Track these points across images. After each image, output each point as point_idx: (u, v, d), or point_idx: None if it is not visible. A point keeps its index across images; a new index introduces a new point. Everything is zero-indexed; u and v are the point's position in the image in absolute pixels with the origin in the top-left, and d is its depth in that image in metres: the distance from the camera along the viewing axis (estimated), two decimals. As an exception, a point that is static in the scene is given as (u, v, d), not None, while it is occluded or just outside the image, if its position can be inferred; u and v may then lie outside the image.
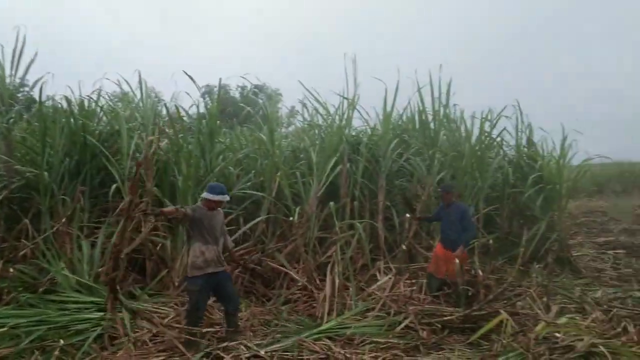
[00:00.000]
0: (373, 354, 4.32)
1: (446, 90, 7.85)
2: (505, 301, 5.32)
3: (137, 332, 4.80)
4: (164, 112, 7.85)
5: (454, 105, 8.95)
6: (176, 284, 5.93)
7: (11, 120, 6.72)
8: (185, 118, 7.95)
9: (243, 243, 6.72)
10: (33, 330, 4.49)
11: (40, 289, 5.29)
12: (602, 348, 3.72)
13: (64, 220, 5.90)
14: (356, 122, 8.82)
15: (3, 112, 6.57)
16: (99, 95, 7.62)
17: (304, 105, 8.82)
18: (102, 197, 6.63)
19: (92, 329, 4.71)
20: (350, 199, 7.10)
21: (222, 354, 4.21)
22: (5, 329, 4.42)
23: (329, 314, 5.34)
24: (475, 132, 8.30)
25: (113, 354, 4.38)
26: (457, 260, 5.59)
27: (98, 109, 7.66)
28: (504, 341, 4.26)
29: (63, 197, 6.12)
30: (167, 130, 7.52)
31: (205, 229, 4.58)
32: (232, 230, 6.64)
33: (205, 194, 4.70)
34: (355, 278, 6.04)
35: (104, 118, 7.63)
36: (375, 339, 4.66)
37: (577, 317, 5.03)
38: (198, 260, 4.52)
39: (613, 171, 23.29)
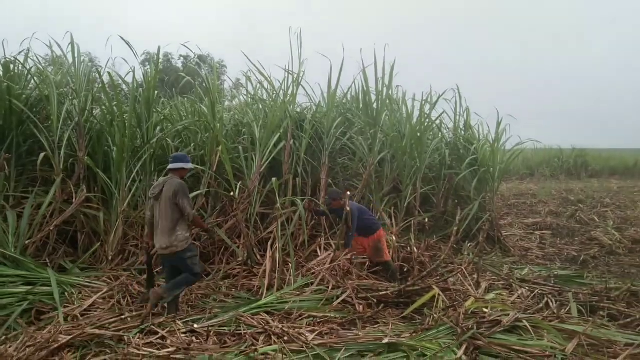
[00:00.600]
0: (310, 328, 4.38)
1: (390, 72, 7.94)
2: (438, 277, 5.54)
3: (68, 306, 4.62)
4: (100, 78, 7.42)
5: (397, 86, 9.12)
6: (110, 257, 5.73)
7: None
8: (123, 86, 7.56)
9: (182, 217, 6.57)
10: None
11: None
12: (525, 322, 3.98)
13: (-15, 189, 5.50)
14: (301, 99, 8.78)
15: None
16: (26, 57, 7.07)
17: (249, 78, 8.65)
18: (30, 165, 6.23)
19: (18, 304, 4.48)
20: (293, 175, 7.09)
21: (157, 329, 4.13)
22: None
23: (268, 289, 5.36)
24: (416, 114, 8.51)
25: (40, 329, 4.19)
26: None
27: (25, 72, 7.11)
28: (436, 315, 4.46)
29: (-16, 165, 5.69)
30: (102, 97, 7.16)
31: None
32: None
33: (181, 164, 4.83)
34: (295, 254, 6.07)
35: (33, 82, 7.11)
36: (313, 313, 4.74)
37: (504, 294, 5.36)
38: (188, 232, 4.78)
39: (544, 156, 24.76)
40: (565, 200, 14.66)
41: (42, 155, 5.87)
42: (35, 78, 7.12)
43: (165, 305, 4.69)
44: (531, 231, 10.20)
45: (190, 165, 4.95)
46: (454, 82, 9.24)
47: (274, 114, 7.14)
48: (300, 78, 7.68)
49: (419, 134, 8.02)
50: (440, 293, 4.88)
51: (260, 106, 8.06)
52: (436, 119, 8.91)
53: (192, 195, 6.49)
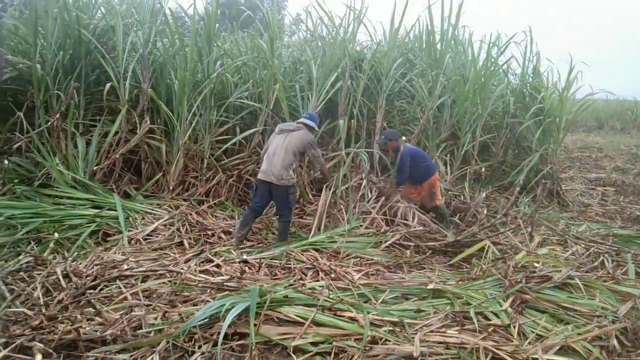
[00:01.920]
0: (357, 268, 4.50)
1: (457, 10, 7.49)
2: (490, 228, 5.46)
3: (131, 230, 4.95)
4: (163, 10, 7.47)
5: (463, 26, 8.61)
6: (171, 187, 6.01)
7: (0, 5, 6.40)
8: (185, 19, 7.59)
9: (238, 153, 6.74)
10: (28, 222, 4.60)
11: (36, 183, 5.34)
12: (577, 280, 3.89)
13: (58, 115, 5.82)
14: (361, 37, 8.51)
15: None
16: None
17: (309, 13, 8.43)
18: (97, 94, 6.49)
19: (87, 225, 4.84)
20: (349, 117, 7.02)
21: (213, 258, 4.37)
22: (1, 218, 4.53)
23: (319, 228, 5.49)
24: (482, 57, 8.07)
25: (107, 249, 4.53)
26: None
27: (93, 2, 7.27)
28: (484, 266, 4.44)
29: (57, 92, 5.98)
30: (165, 30, 7.23)
31: None
32: (227, 139, 6.64)
33: (313, 124, 5.49)
34: (348, 196, 6.13)
35: (99, 12, 7.27)
36: (360, 254, 4.85)
37: (558, 249, 5.22)
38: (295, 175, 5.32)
39: (615, 108, 23.04)
40: (634, 156, 13.73)
41: (108, 85, 6.09)
42: (102, 8, 7.27)
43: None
44: (593, 187, 9.72)
45: (316, 128, 5.68)
46: (526, 24, 8.61)
47: (332, 52, 6.98)
48: (361, 15, 7.41)
49: (483, 79, 7.64)
50: (491, 244, 4.83)
51: (320, 44, 7.90)
52: (503, 64, 8.44)
53: (249, 132, 6.65)
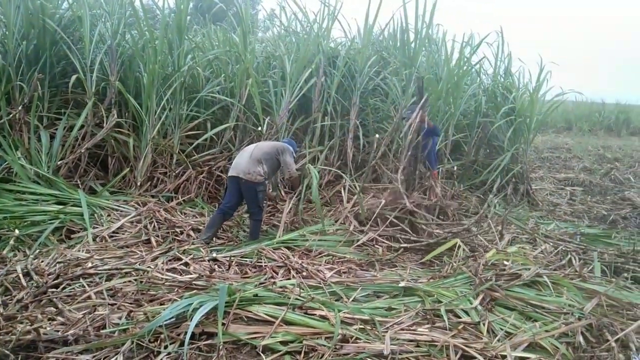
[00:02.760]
0: (329, 266, 4.46)
1: (431, 9, 7.53)
2: (460, 226, 5.49)
3: (97, 227, 4.79)
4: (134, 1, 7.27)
5: (437, 25, 8.67)
6: (138, 183, 5.86)
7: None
8: (156, 11, 7.41)
9: (209, 149, 6.62)
10: (-12, 218, 4.41)
11: (-5, 177, 5.12)
12: (545, 278, 3.94)
13: (20, 108, 5.59)
14: (336, 34, 8.49)
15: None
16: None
17: (283, 8, 8.36)
18: (62, 87, 6.27)
19: (50, 221, 4.67)
20: (322, 114, 6.98)
21: (181, 256, 4.27)
22: (-43, 215, 4.32)
23: (290, 226, 5.44)
24: (455, 56, 8.15)
25: (70, 247, 4.38)
26: None
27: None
28: (455, 264, 4.46)
29: (20, 83, 5.75)
30: (134, 21, 7.03)
31: None
32: (198, 134, 6.51)
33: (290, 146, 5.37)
34: (320, 193, 6.09)
35: (66, 2, 7.02)
36: (332, 252, 4.81)
37: (527, 248, 5.29)
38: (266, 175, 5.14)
39: (584, 110, 23.66)
40: (601, 157, 14.13)
41: (74, 77, 5.89)
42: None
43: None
44: (562, 186, 9.93)
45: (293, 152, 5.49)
46: (498, 25, 8.75)
47: (306, 48, 6.93)
48: (336, 11, 7.38)
49: (456, 78, 7.71)
50: (461, 243, 4.87)
51: (294, 39, 7.83)
52: (476, 64, 8.53)
53: (220, 127, 6.53)
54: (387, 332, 3.02)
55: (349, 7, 7.79)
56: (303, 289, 3.72)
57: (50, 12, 6.27)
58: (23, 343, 2.73)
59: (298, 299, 3.39)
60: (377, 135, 6.14)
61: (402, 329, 3.13)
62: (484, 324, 3.23)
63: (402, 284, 3.87)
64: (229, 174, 5.07)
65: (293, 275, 4.07)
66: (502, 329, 3.21)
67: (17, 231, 4.26)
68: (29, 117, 5.66)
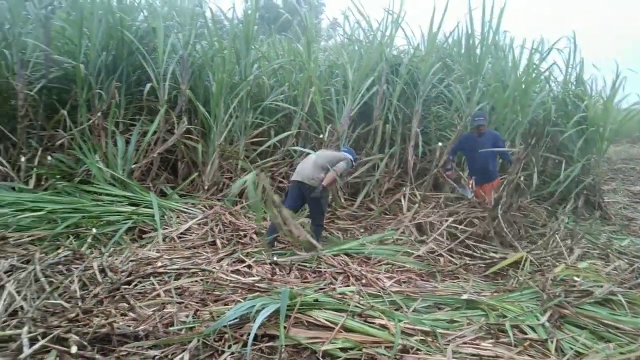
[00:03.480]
0: (388, 275, 4.43)
1: (499, 14, 7.33)
2: (528, 239, 5.30)
3: (166, 228, 5.03)
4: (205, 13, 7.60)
5: (504, 32, 8.43)
6: (205, 187, 6.09)
7: (49, 7, 6.62)
8: (225, 22, 7.71)
9: (272, 155, 6.77)
10: (68, 217, 4.73)
11: (76, 179, 5.50)
12: (620, 297, 3.71)
13: (99, 114, 5.98)
14: (399, 41, 8.45)
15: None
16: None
17: (346, 17, 8.44)
18: (137, 94, 6.65)
19: (124, 222, 4.94)
20: (383, 121, 6.96)
21: (244, 258, 4.39)
22: (43, 212, 4.67)
23: (350, 233, 5.45)
24: (523, 63, 7.87)
25: (142, 246, 4.61)
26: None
27: (136, 4, 7.47)
28: (521, 278, 4.30)
29: (100, 91, 6.16)
30: (204, 32, 7.35)
31: None
32: (262, 141, 6.68)
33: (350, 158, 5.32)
34: (379, 201, 6.07)
35: (142, 14, 7.46)
36: (392, 261, 4.77)
37: (599, 264, 5.01)
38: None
39: (663, 119, 22.00)
40: (680, 169, 13.10)
41: (148, 85, 6.23)
42: (145, 10, 7.46)
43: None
44: (637, 200, 9.30)
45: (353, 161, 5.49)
46: (572, 29, 8.38)
47: (369, 56, 6.95)
48: (400, 18, 7.36)
49: (524, 86, 7.44)
50: (528, 256, 4.68)
51: (356, 47, 7.87)
52: (545, 71, 8.20)
53: (283, 135, 6.67)
54: (448, 345, 2.96)
55: (412, 14, 7.73)
56: (362, 297, 3.71)
57: (127, 24, 6.69)
58: (99, 336, 2.89)
59: (357, 307, 3.38)
60: (440, 144, 6.05)
61: (465, 343, 3.05)
62: (552, 342, 3.09)
63: (464, 296, 3.77)
64: (293, 178, 5.16)
65: (352, 283, 4.07)
66: (571, 349, 3.05)
67: (94, 230, 4.55)
68: (107, 122, 6.04)
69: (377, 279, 4.20)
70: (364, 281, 4.10)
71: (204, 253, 4.56)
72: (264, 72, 7.08)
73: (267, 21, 12.22)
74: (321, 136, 6.40)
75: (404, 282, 4.33)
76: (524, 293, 3.97)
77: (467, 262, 4.96)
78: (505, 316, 3.48)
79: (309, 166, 5.07)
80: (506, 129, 7.30)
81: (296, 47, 7.68)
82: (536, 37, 7.93)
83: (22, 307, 3.13)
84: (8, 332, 2.81)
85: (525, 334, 3.24)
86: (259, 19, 8.48)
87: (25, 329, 2.78)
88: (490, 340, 3.10)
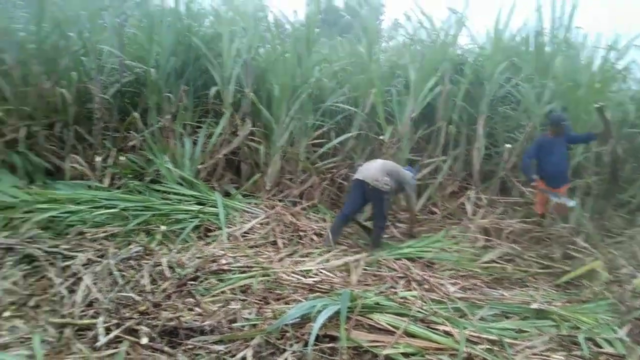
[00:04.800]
0: (452, 281, 4.31)
1: (570, 10, 6.95)
2: (603, 248, 4.98)
3: (230, 227, 5.15)
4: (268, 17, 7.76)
5: (576, 28, 7.98)
6: (267, 188, 6.20)
7: (123, 16, 7.00)
8: (286, 25, 7.82)
9: (332, 157, 6.79)
10: (139, 214, 4.96)
11: (147, 179, 5.76)
12: None
13: (168, 117, 6.24)
14: (463, 40, 8.24)
15: (116, 7, 6.86)
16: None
17: (408, 17, 8.32)
18: (203, 98, 6.88)
19: (190, 220, 5.12)
20: (447, 122, 6.79)
21: (304, 259, 4.42)
22: (116, 210, 4.93)
23: (412, 237, 5.36)
24: (598, 61, 7.40)
25: (207, 244, 4.75)
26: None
27: (203, 10, 7.74)
28: (596, 288, 4.04)
29: (168, 94, 6.42)
30: (267, 36, 7.49)
31: None
32: (322, 143, 6.71)
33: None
34: (443, 204, 5.93)
35: (208, 20, 7.71)
36: (456, 267, 4.64)
37: (686, 276, 4.62)
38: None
39: None
40: None
41: (214, 89, 6.43)
42: (211, 16, 7.71)
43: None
44: None
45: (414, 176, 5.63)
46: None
47: (432, 56, 6.82)
48: (464, 17, 7.17)
49: (598, 85, 7.00)
50: (604, 265, 4.40)
51: (419, 47, 7.74)
52: (622, 69, 7.68)
53: (344, 137, 6.66)
54: (517, 355, 2.84)
55: (477, 12, 7.52)
56: (425, 302, 3.63)
57: (195, 30, 6.94)
58: (167, 329, 3.01)
59: (420, 312, 3.32)
60: (507, 145, 5.81)
61: (534, 354, 2.91)
62: (631, 358, 2.89)
63: (534, 305, 3.60)
64: (355, 177, 5.14)
65: (414, 287, 3.99)
66: (655, 366, 2.84)
67: (164, 227, 4.74)
68: (175, 125, 6.29)
69: (440, 284, 4.09)
70: (426, 286, 4.01)
71: (266, 252, 4.63)
72: (325, 74, 7.11)
73: (328, 24, 12.30)
74: (382, 137, 6.33)
75: (469, 288, 4.20)
76: (600, 304, 3.75)
77: (537, 269, 4.73)
78: (578, 328, 3.29)
79: (374, 168, 5.04)
80: (580, 130, 6.89)
81: (357, 49, 7.66)
82: (611, 33, 7.44)
83: (96, 299, 3.31)
84: (86, 321, 2.98)
85: (601, 347, 3.05)
86: (321, 22, 8.54)
87: (101, 319, 2.94)
88: (562, 353, 2.95)
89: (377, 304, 3.34)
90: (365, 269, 4.31)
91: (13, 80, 5.91)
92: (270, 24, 7.38)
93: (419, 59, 7.11)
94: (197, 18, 7.47)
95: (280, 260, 4.41)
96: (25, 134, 5.88)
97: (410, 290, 3.93)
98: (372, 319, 3.17)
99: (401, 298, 3.67)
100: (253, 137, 6.56)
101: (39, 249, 3.91)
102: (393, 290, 3.84)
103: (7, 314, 3.08)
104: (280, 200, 6.14)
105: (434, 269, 4.57)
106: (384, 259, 4.51)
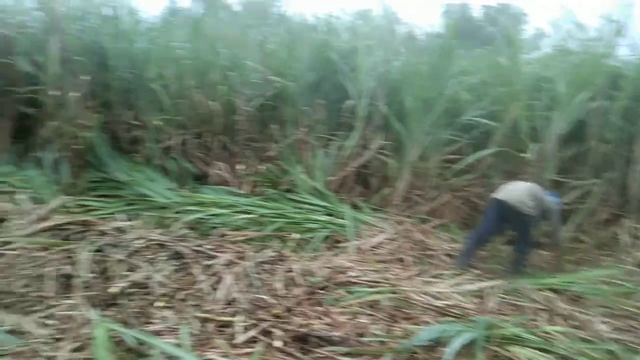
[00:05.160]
0: (603, 319, 3.82)
1: None
2: None
3: (358, 239, 5.15)
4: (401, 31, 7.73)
5: None
6: (396, 203, 6.12)
7: (265, 32, 7.46)
8: (421, 37, 7.72)
9: (467, 174, 6.48)
10: (274, 221, 5.20)
11: (282, 187, 6.03)
12: None
13: (304, 129, 6.48)
14: (621, 51, 7.38)
15: (259, 24, 7.34)
16: (340, 13, 7.88)
17: (555, 26, 7.69)
18: (336, 111, 7.03)
19: (320, 229, 5.23)
20: (600, 141, 6.11)
21: (435, 279, 4.26)
22: (254, 215, 5.22)
23: (557, 266, 4.90)
24: None
25: (336, 255, 4.80)
26: None
27: (339, 26, 7.95)
28: None
29: (305, 107, 6.67)
30: (401, 49, 7.45)
31: None
32: (456, 159, 6.44)
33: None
34: (593, 233, 5.33)
35: (344, 35, 7.89)
36: (608, 304, 4.11)
37: None
38: None
39: None
40: None
41: (348, 102, 6.54)
42: (347, 31, 7.88)
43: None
44: None
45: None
46: None
47: (584, 68, 6.20)
48: (623, 26, 6.42)
49: None
50: None
51: (568, 59, 7.10)
52: None
53: (482, 153, 6.33)
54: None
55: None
56: (571, 340, 3.27)
57: (332, 45, 7.14)
58: (298, 335, 3.07)
59: (564, 349, 3.00)
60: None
61: None
62: None
63: None
64: (495, 196, 4.82)
65: (558, 322, 3.62)
66: None
67: (297, 235, 4.90)
68: (310, 137, 6.50)
69: (590, 321, 3.65)
70: (572, 322, 3.61)
71: (394, 269, 4.54)
72: (463, 87, 6.84)
73: (465, 34, 11.90)
74: (525, 155, 5.88)
75: (624, 330, 3.69)
76: None
77: None
78: None
79: (519, 189, 4.71)
80: None
81: (498, 60, 7.25)
82: None
83: (235, 298, 3.50)
84: (225, 318, 3.17)
85: None
86: (457, 33, 8.27)
87: (240, 318, 3.10)
88: None
89: (517, 335, 3.09)
90: (502, 297, 4.01)
91: (171, 93, 6.60)
92: (405, 36, 7.34)
93: (569, 71, 6.52)
94: (334, 33, 7.69)
95: (409, 278, 4.29)
96: (178, 142, 6.52)
97: (553, 324, 3.57)
98: (510, 351, 2.96)
99: (544, 332, 3.35)
100: (384, 151, 6.52)
101: (186, 247, 4.26)
102: (534, 322, 3.52)
103: (159, 304, 3.39)
104: (408, 217, 6.01)
105: (581, 304, 4.09)
106: (524, 288, 4.15)
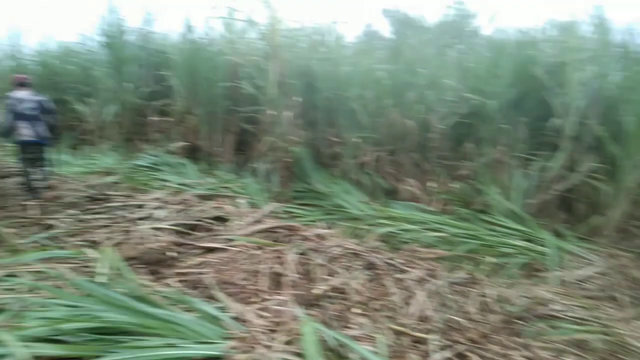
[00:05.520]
0: None
1: None
2: None
3: (560, 270, 4.72)
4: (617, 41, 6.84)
5: None
6: (608, 233, 5.43)
7: (462, 51, 7.34)
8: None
9: None
10: (466, 242, 5.09)
11: (474, 207, 5.86)
12: None
13: (502, 148, 6.20)
14: None
15: (456, 43, 7.26)
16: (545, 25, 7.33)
17: None
18: (539, 130, 6.56)
19: (516, 255, 4.94)
20: None
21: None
22: (445, 234, 5.18)
23: None
24: None
25: (532, 285, 4.47)
26: None
27: (544, 39, 7.39)
28: None
29: (504, 125, 6.37)
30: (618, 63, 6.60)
31: None
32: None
33: None
34: None
35: (549, 49, 7.31)
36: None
37: None
38: None
39: None
40: None
41: (554, 120, 6.05)
42: (552, 46, 7.28)
43: None
44: None
45: None
46: None
47: None
48: None
49: None
50: None
51: None
52: None
53: None
54: None
55: None
56: None
57: (536, 60, 6.69)
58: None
59: None
60: None
61: None
62: None
63: None
64: None
65: None
66: None
67: (491, 259, 4.71)
68: (508, 157, 6.18)
69: None
70: None
71: (606, 307, 4.05)
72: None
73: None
74: None
75: None
76: None
77: None
78: None
79: None
80: None
81: None
82: None
83: (427, 316, 3.53)
84: (420, 334, 3.22)
85: None
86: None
87: (435, 336, 3.11)
88: None
89: None
90: None
91: (369, 112, 6.95)
92: (622, 47, 6.48)
93: None
94: (538, 47, 7.19)
95: (625, 320, 3.78)
96: (373, 158, 6.82)
97: None
98: None
99: None
100: (595, 175, 5.86)
101: (379, 258, 4.44)
102: None
103: (356, 310, 3.60)
104: (624, 250, 5.28)
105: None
106: None
